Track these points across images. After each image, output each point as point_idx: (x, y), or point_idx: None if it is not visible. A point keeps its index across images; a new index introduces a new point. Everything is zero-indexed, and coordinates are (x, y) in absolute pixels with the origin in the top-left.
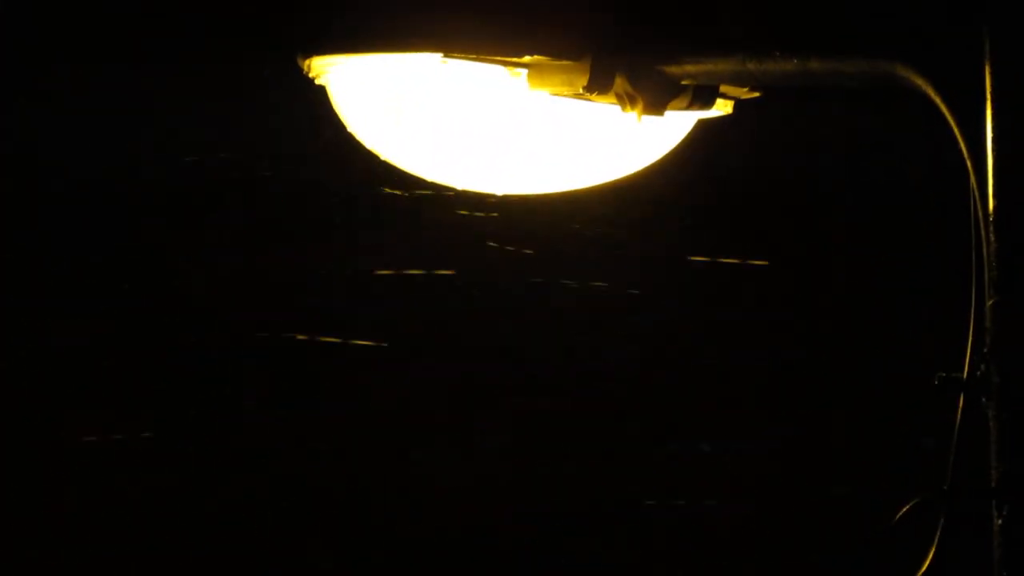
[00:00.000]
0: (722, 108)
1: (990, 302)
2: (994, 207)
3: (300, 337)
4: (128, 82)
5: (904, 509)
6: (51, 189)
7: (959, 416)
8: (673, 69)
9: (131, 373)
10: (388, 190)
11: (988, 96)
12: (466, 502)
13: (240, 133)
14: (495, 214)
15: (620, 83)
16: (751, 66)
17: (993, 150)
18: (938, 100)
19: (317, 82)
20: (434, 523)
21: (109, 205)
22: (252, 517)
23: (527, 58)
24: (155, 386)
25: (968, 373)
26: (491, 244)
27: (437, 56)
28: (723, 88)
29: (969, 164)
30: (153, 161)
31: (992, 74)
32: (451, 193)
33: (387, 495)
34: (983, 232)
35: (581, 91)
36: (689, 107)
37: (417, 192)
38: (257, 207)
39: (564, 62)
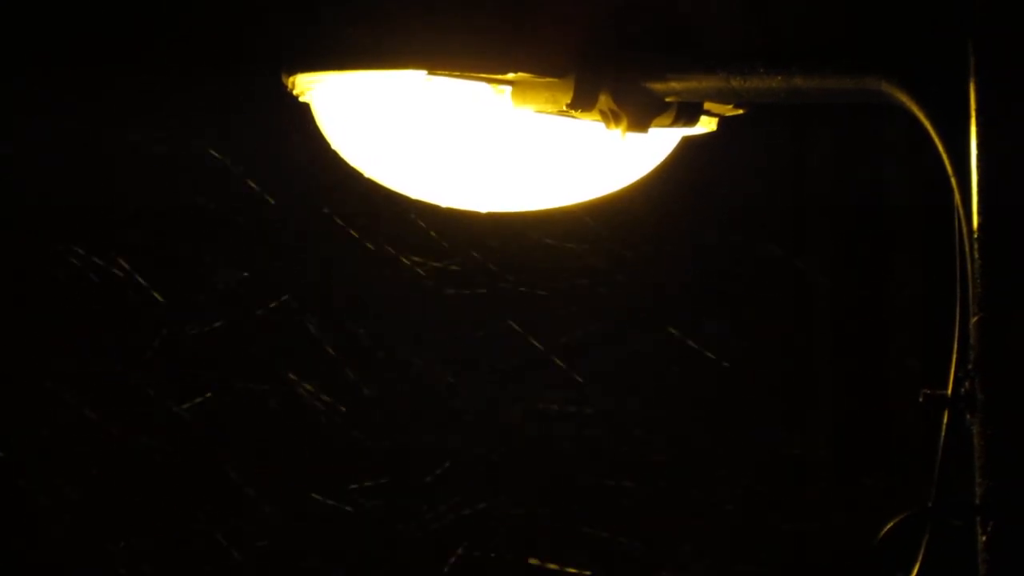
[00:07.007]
0: (706, 125)
1: (975, 319)
2: (979, 224)
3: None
4: (125, 90)
5: (888, 527)
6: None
7: (944, 433)
8: (657, 86)
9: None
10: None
11: (973, 113)
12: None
13: (228, 149)
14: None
15: (604, 100)
16: (735, 83)
17: (978, 167)
18: (922, 117)
19: (301, 99)
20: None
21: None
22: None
23: (511, 75)
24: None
25: (953, 390)
26: (475, 265)
27: (421, 73)
28: (707, 105)
29: (954, 181)
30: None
31: (977, 91)
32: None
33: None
34: (967, 249)
35: (565, 108)
36: (673, 124)
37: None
38: (238, 229)
39: (548, 79)
